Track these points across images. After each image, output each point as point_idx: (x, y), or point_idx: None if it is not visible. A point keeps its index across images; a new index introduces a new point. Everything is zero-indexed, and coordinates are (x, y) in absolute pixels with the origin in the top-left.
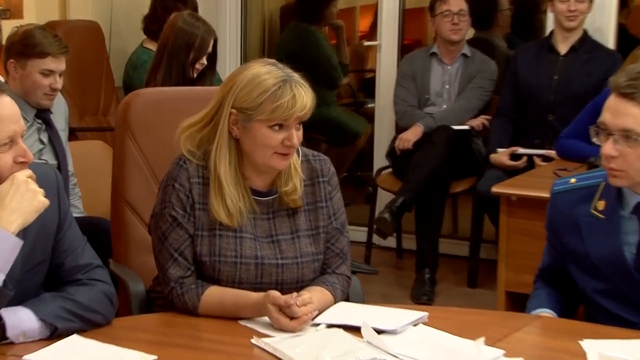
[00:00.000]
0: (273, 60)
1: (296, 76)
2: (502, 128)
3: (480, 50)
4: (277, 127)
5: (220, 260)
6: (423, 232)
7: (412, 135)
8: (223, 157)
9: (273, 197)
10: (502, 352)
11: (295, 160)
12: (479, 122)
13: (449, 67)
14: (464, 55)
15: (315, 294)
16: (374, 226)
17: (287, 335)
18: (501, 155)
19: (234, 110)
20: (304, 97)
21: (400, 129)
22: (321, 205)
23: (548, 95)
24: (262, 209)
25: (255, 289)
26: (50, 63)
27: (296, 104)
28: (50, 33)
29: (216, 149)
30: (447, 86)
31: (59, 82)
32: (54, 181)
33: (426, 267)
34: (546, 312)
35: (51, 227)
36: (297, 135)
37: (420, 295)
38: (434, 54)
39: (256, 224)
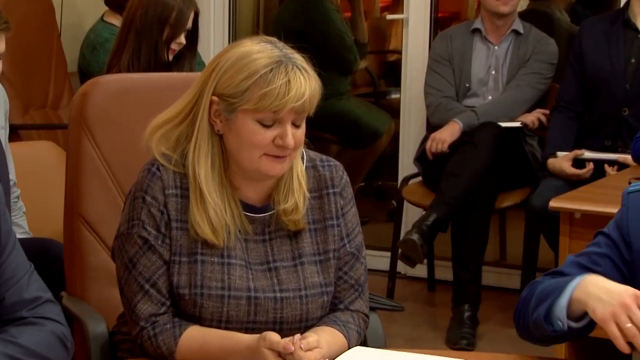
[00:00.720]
0: (272, 39)
1: (298, 58)
2: (563, 126)
3: (536, 25)
4: (267, 121)
5: (203, 293)
6: (462, 258)
7: (448, 134)
8: (203, 157)
9: (270, 213)
10: None
11: (300, 170)
12: (533, 117)
13: (496, 47)
14: (515, 32)
15: (323, 336)
16: (399, 251)
17: None
18: (562, 161)
19: (215, 98)
20: (301, 83)
21: (432, 126)
22: (331, 224)
23: (623, 84)
24: (256, 229)
25: (247, 330)
26: None
27: (290, 91)
28: None
29: (194, 148)
30: (493, 72)
31: None
32: None
33: (465, 303)
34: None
35: None
36: (295, 135)
37: (458, 338)
38: (476, 30)
39: (248, 248)
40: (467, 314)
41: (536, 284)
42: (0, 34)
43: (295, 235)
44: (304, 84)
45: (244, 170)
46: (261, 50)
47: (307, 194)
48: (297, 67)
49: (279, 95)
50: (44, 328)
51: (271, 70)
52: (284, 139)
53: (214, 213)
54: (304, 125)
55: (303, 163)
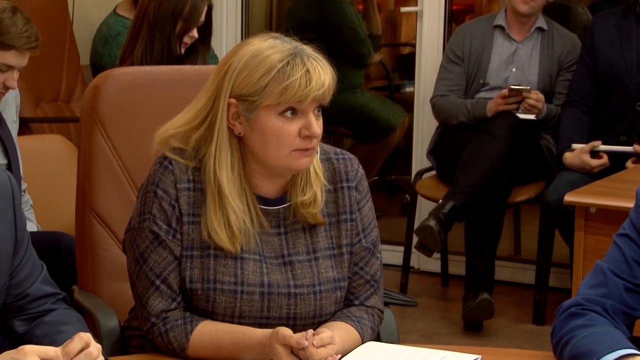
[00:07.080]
0: (277, 34)
1: (308, 49)
2: (576, 119)
3: (554, 17)
4: (289, 114)
5: (216, 288)
6: (476, 248)
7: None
8: (224, 161)
9: (285, 205)
10: None
11: (316, 162)
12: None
13: (519, 44)
14: (540, 29)
15: (337, 332)
16: (416, 240)
17: None
18: (580, 153)
19: (233, 100)
20: (320, 72)
21: (438, 121)
22: (345, 218)
23: (636, 78)
24: (272, 222)
25: (260, 325)
26: (11, 58)
27: (311, 81)
28: (22, 16)
29: (215, 152)
30: (513, 69)
31: (15, 80)
32: (8, 188)
33: (480, 290)
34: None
35: (5, 249)
36: (318, 124)
37: (479, 314)
38: (498, 26)
39: (263, 241)
40: (482, 296)
41: (570, 323)
42: (26, 53)
43: (310, 229)
44: (322, 72)
45: (269, 168)
46: (272, 46)
47: (326, 184)
48: (311, 57)
49: (301, 86)
50: (75, 313)
51: (287, 63)
52: (309, 129)
53: (234, 216)
54: (320, 117)
55: (317, 155)
